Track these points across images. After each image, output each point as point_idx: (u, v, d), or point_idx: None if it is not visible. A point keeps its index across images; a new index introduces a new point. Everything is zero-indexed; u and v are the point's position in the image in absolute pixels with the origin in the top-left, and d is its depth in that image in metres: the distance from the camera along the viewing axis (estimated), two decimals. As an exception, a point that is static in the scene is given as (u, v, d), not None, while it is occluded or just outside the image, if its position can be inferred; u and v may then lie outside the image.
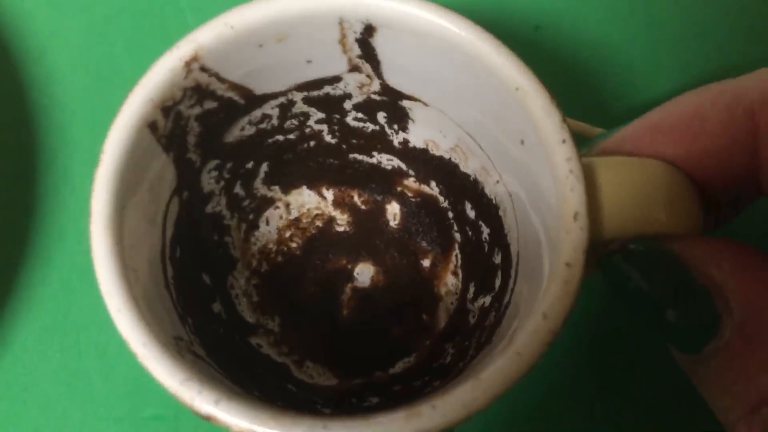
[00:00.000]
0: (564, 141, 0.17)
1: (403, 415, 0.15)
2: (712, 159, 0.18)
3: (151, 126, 0.18)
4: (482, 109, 0.20)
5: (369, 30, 0.19)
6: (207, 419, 0.15)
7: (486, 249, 0.23)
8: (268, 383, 0.22)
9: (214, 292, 0.23)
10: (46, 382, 0.26)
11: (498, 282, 0.22)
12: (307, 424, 0.15)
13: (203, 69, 0.18)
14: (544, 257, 0.19)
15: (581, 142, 0.20)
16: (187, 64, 0.18)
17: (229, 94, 0.20)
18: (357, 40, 0.20)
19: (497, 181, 0.22)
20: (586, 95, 0.26)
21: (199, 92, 0.19)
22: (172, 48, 0.18)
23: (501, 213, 0.22)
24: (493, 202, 0.22)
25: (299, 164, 0.25)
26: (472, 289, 0.24)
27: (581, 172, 0.17)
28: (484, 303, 0.23)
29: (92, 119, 0.28)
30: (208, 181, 0.23)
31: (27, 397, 0.25)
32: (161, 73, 0.18)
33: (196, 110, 0.20)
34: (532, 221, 0.20)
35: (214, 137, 0.21)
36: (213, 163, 0.22)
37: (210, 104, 0.20)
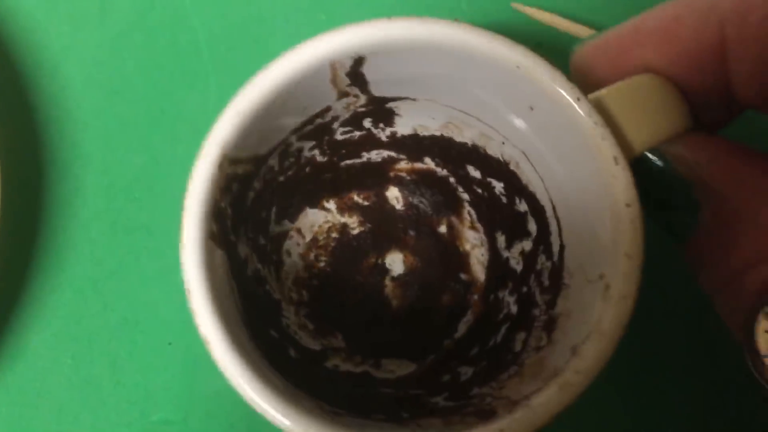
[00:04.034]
0: (579, 99, 0.19)
1: (556, 389, 0.17)
2: (685, 62, 0.20)
3: (212, 236, 0.18)
4: (480, 91, 0.21)
5: (359, 62, 0.20)
6: None
7: (505, 200, 0.25)
8: (375, 397, 0.24)
9: (283, 340, 0.24)
10: (58, 387, 0.27)
11: (534, 227, 0.24)
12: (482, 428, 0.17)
13: (230, 162, 0.19)
14: (585, 200, 0.20)
15: (574, 41, 0.21)
16: (220, 166, 0.18)
17: (244, 169, 0.20)
18: (347, 74, 0.20)
19: (503, 143, 0.23)
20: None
21: (227, 181, 0.19)
22: (202, 154, 0.18)
23: (513, 167, 0.23)
24: (501, 159, 0.24)
25: (299, 192, 0.26)
26: (501, 238, 0.26)
27: (603, 121, 0.19)
28: (523, 248, 0.24)
29: (104, 132, 0.29)
30: (242, 249, 0.23)
31: (39, 403, 0.26)
32: (203, 185, 0.18)
33: (228, 198, 0.20)
34: (557, 173, 0.21)
35: (239, 212, 0.22)
36: (241, 231, 0.23)
37: (235, 187, 0.20)
